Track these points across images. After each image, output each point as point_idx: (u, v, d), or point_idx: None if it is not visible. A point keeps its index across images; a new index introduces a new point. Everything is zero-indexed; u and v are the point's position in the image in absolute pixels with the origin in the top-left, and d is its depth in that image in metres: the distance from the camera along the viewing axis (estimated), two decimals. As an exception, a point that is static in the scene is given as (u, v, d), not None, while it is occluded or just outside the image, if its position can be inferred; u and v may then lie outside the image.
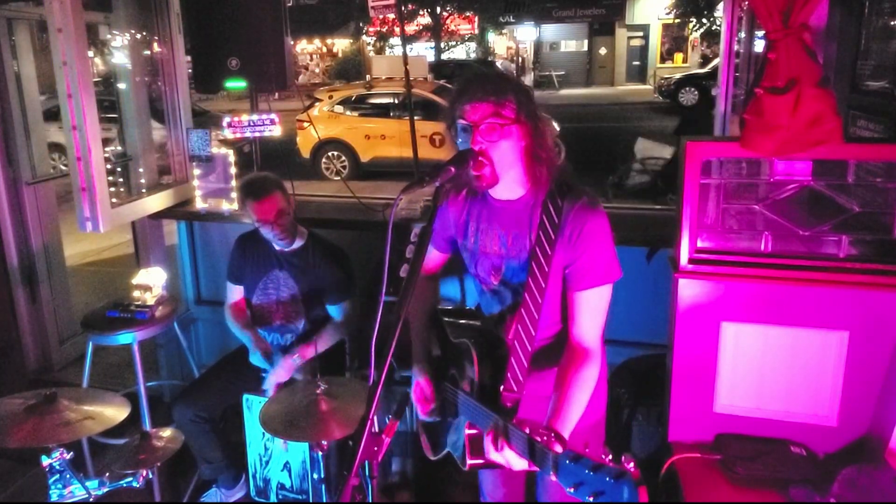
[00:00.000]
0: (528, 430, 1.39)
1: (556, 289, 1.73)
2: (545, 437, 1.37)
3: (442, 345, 1.91)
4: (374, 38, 27.88)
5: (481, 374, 1.69)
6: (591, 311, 1.68)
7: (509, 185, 1.71)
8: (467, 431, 1.64)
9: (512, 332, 1.68)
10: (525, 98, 1.66)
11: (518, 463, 1.44)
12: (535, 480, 2.02)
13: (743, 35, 3.15)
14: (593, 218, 1.67)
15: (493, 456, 1.47)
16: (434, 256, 1.99)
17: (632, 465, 1.15)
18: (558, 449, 1.30)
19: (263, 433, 2.73)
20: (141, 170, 3.82)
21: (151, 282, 3.20)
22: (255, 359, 2.77)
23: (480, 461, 1.61)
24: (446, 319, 1.94)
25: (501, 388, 1.63)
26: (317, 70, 29.87)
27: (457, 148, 1.68)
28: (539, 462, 1.34)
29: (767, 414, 2.22)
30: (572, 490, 1.21)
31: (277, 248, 2.87)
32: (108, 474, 2.50)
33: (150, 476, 2.47)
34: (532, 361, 1.66)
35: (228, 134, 3.58)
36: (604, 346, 1.81)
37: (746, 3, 2.93)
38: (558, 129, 10.74)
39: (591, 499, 1.17)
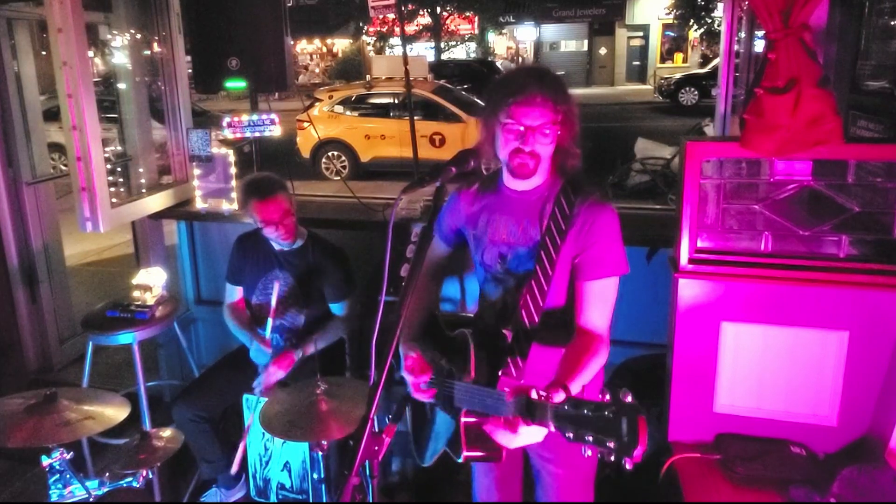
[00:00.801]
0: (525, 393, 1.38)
1: (562, 278, 1.74)
2: (541, 395, 1.36)
3: (438, 340, 1.91)
4: (374, 38, 27.87)
5: (478, 363, 1.69)
6: (599, 301, 1.70)
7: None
8: (464, 420, 1.62)
9: (515, 318, 1.69)
10: (570, 97, 1.69)
11: (527, 434, 1.40)
12: (534, 487, 2.01)
13: (743, 35, 3.15)
14: (606, 212, 1.71)
15: (501, 437, 1.44)
16: (438, 249, 1.99)
17: (629, 397, 1.16)
18: (559, 399, 1.30)
19: (263, 433, 2.73)
20: (141, 170, 3.82)
21: (151, 282, 3.20)
22: (255, 354, 2.76)
23: (477, 453, 1.61)
24: (444, 321, 1.94)
25: (500, 372, 1.63)
26: (317, 70, 29.87)
27: (492, 140, 1.70)
28: (538, 417, 1.32)
29: (767, 414, 2.22)
30: (571, 435, 1.20)
31: (277, 248, 2.87)
32: (108, 474, 2.50)
33: (150, 476, 2.47)
34: (531, 350, 1.67)
35: (228, 134, 3.58)
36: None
37: (746, 3, 2.93)
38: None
39: (591, 439, 1.17)
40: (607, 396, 1.19)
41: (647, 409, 1.16)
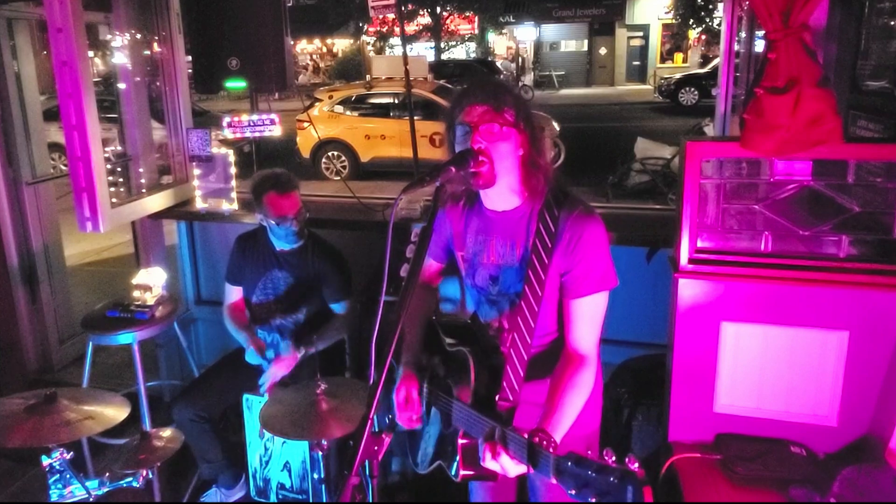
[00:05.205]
0: (526, 435, 1.39)
1: (553, 297, 1.73)
2: (545, 441, 1.36)
3: (438, 354, 1.90)
4: (374, 38, 27.89)
5: (477, 383, 1.68)
6: (588, 318, 1.68)
7: (505, 195, 1.72)
8: (461, 441, 1.63)
9: (508, 340, 1.68)
10: (523, 106, 1.68)
11: (514, 469, 1.43)
12: (528, 489, 2.00)
13: (743, 35, 3.15)
14: (591, 226, 1.68)
15: (489, 464, 1.46)
16: (431, 266, 1.99)
17: (636, 465, 1.15)
18: (555, 450, 1.30)
19: (263, 433, 2.74)
20: (141, 170, 3.82)
21: (151, 282, 3.20)
22: (251, 357, 2.77)
23: (473, 472, 1.61)
24: (442, 331, 1.93)
25: (497, 396, 1.62)
26: (318, 69, 29.89)
27: (454, 151, 1.69)
28: (540, 466, 1.32)
29: (767, 414, 2.22)
30: (574, 492, 1.20)
31: (278, 248, 2.87)
32: (108, 474, 2.50)
33: (150, 476, 2.47)
34: (528, 369, 1.66)
35: (228, 134, 3.58)
36: (598, 356, 1.80)
37: (746, 3, 2.93)
38: (558, 129, 10.76)
39: (594, 500, 1.16)
40: (612, 459, 1.18)
41: (651, 478, 1.15)
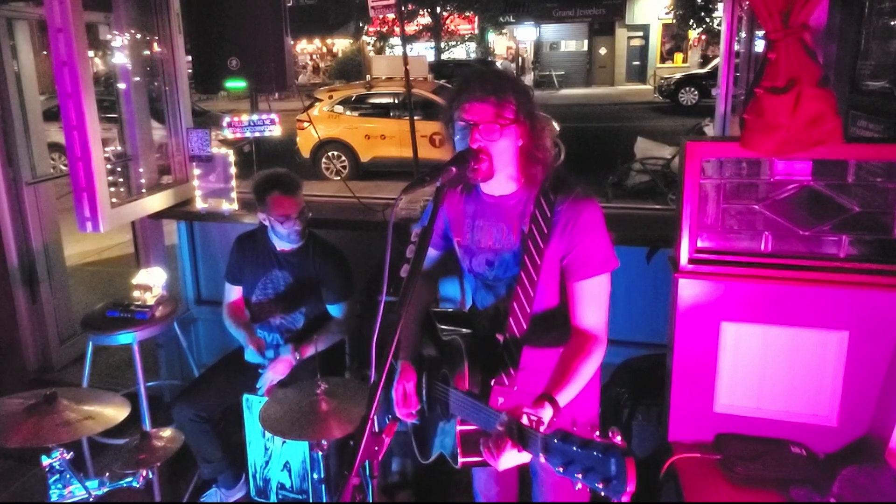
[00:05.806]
0: (516, 416, 1.39)
1: (549, 282, 1.73)
2: (532, 420, 1.37)
3: (433, 344, 1.91)
4: (374, 38, 27.89)
5: (472, 371, 1.68)
6: (593, 299, 1.69)
7: (502, 182, 1.73)
8: (459, 428, 1.63)
9: (505, 326, 1.69)
10: (524, 98, 1.67)
11: (518, 457, 1.41)
12: (531, 478, 2.01)
13: (743, 35, 3.15)
14: (587, 208, 1.69)
15: (490, 459, 1.45)
16: (430, 254, 1.99)
17: (619, 437, 1.15)
18: (547, 416, 1.32)
19: (263, 433, 2.74)
20: (141, 170, 3.81)
21: (151, 282, 3.20)
22: (250, 355, 2.77)
23: (474, 458, 1.61)
24: (438, 320, 1.94)
25: (492, 382, 1.62)
26: (318, 67, 29.89)
27: (453, 144, 1.69)
28: (528, 445, 1.33)
29: (767, 414, 2.22)
30: (561, 469, 1.20)
31: (278, 248, 2.87)
32: (108, 474, 2.50)
33: (150, 476, 2.47)
34: (523, 356, 1.67)
35: (228, 134, 3.58)
36: (606, 337, 1.79)
37: (746, 3, 2.93)
38: (558, 128, 10.76)
39: (580, 476, 1.17)
40: (597, 433, 1.19)
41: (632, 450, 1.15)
